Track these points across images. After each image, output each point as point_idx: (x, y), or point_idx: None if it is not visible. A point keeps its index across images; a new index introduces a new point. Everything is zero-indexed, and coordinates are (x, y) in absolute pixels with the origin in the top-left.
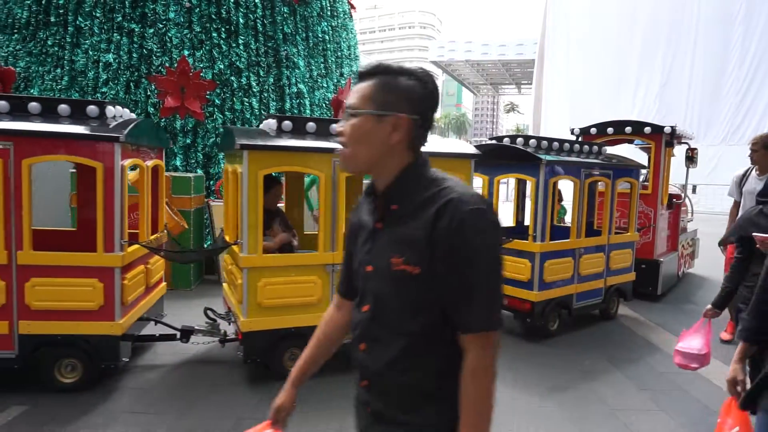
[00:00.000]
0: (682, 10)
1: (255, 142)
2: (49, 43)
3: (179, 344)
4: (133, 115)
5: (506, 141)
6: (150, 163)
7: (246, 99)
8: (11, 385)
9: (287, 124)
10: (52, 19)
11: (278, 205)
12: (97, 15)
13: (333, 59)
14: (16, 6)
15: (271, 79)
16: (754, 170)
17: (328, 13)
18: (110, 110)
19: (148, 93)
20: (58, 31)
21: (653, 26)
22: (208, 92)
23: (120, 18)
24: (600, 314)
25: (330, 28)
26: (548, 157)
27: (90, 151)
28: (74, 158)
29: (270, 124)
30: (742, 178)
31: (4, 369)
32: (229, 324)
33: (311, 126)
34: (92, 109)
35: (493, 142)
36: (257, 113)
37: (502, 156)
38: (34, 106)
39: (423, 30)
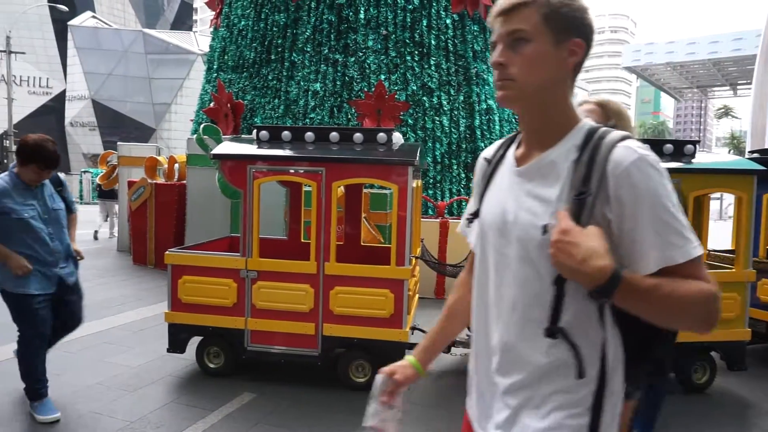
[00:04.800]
0: None
1: None
2: (270, 77)
3: None
4: (402, 139)
5: None
6: (417, 183)
7: (437, 117)
8: (243, 374)
9: None
10: (273, 57)
11: None
12: (308, 50)
13: None
14: (246, 49)
15: (461, 97)
16: (513, 147)
17: None
18: (396, 136)
19: (349, 116)
20: (276, 66)
21: None
22: (401, 113)
23: (326, 50)
24: None
25: None
26: None
27: (388, 174)
28: (374, 180)
29: None
30: (487, 172)
31: (308, 364)
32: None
33: None
34: (381, 137)
35: (756, 155)
36: (447, 131)
37: None
38: (334, 135)
39: (614, 34)
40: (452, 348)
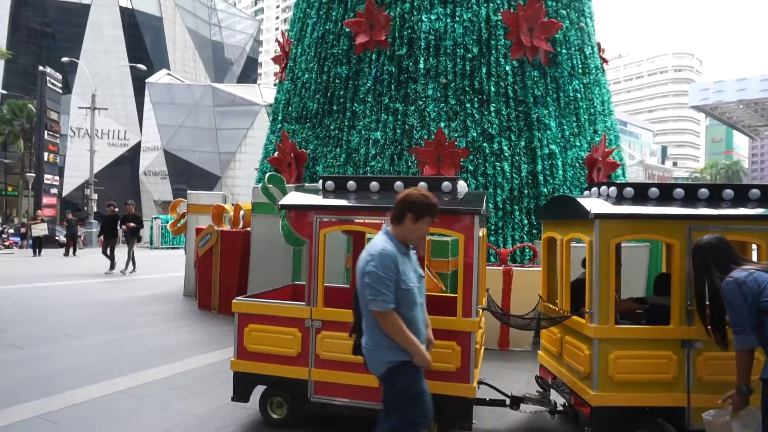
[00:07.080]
0: None
1: (609, 211)
2: (332, 127)
3: (501, 409)
4: (466, 188)
5: None
6: (482, 231)
7: (498, 163)
8: (306, 426)
9: (629, 190)
10: (335, 107)
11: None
12: (369, 100)
13: (585, 117)
14: (309, 100)
15: (523, 142)
16: None
17: (580, 71)
18: (460, 185)
19: (409, 164)
20: (338, 117)
21: None
22: (462, 159)
23: (387, 100)
24: None
25: (582, 85)
26: None
27: (454, 223)
28: (440, 230)
29: (609, 191)
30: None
31: (372, 417)
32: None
33: (654, 192)
34: (446, 185)
35: None
36: (508, 177)
37: None
38: (398, 184)
39: (678, 74)
40: (521, 404)
